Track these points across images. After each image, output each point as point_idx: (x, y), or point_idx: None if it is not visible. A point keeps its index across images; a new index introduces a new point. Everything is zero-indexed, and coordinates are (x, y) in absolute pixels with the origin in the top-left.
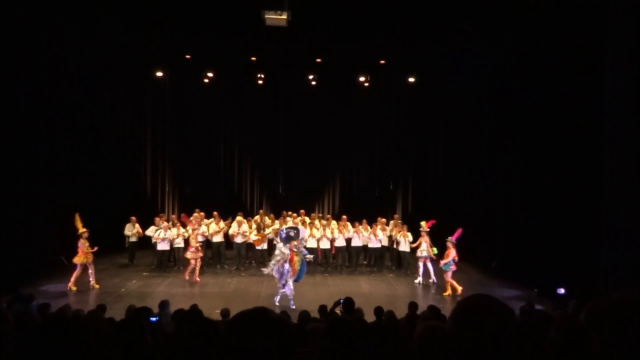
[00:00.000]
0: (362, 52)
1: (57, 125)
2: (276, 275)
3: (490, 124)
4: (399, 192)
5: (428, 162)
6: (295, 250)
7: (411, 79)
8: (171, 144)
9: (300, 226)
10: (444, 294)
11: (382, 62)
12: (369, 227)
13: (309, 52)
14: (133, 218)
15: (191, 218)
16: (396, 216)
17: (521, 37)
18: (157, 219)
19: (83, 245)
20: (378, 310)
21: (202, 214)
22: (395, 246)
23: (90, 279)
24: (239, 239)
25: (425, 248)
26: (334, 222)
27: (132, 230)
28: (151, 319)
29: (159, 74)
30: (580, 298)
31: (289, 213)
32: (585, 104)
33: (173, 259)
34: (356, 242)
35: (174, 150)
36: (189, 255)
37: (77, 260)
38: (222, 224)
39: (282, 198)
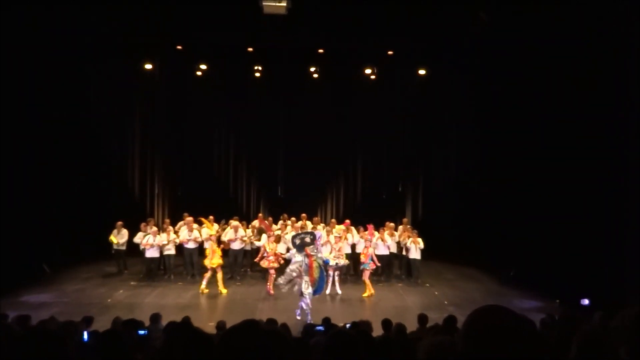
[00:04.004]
0: (368, 42)
1: (38, 123)
2: (294, 289)
3: (507, 121)
4: (408, 194)
5: (440, 161)
6: (312, 253)
7: (421, 72)
8: (161, 142)
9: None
10: (364, 295)
11: (390, 53)
12: (376, 232)
13: (311, 42)
14: (119, 223)
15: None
16: (405, 220)
17: (539, 26)
18: (143, 224)
19: (211, 247)
20: (386, 323)
21: (190, 218)
22: (404, 253)
23: (204, 282)
24: (236, 245)
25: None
26: (338, 226)
27: (124, 237)
28: (140, 332)
29: (148, 66)
30: (606, 309)
31: (285, 216)
32: (610, 100)
33: (163, 267)
34: (362, 249)
35: (165, 150)
36: (265, 264)
37: (207, 262)
38: (216, 227)
39: (282, 201)
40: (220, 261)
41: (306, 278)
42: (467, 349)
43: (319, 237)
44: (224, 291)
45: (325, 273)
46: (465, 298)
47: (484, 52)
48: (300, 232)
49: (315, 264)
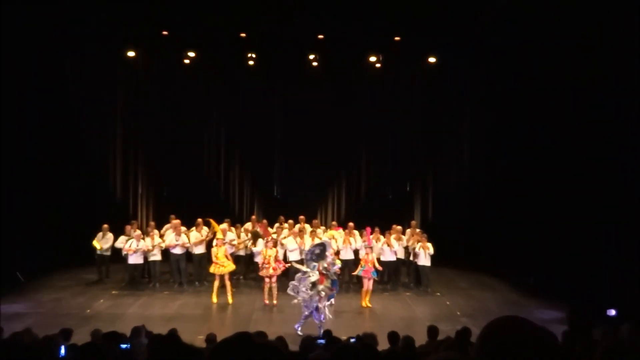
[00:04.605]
0: (373, 27)
1: (11, 118)
2: (302, 302)
3: (525, 114)
4: (417, 194)
5: (451, 158)
6: (325, 272)
7: (431, 60)
8: (146, 137)
9: (325, 239)
10: (363, 304)
11: (397, 39)
12: (382, 237)
13: (310, 27)
14: (105, 226)
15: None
16: (414, 223)
17: (560, 10)
18: (128, 227)
19: (216, 252)
20: (393, 336)
21: (177, 221)
22: (413, 259)
23: (228, 294)
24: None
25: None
26: (340, 230)
27: (109, 242)
28: (122, 346)
29: (131, 53)
30: (634, 321)
31: (282, 218)
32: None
33: (148, 275)
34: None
35: (149, 146)
36: (261, 272)
37: (212, 269)
38: (204, 231)
39: (278, 202)
40: (219, 270)
41: (320, 287)
42: None
43: (329, 247)
44: (215, 300)
45: (337, 280)
46: (480, 308)
47: (499, 38)
48: (311, 247)
49: (326, 281)
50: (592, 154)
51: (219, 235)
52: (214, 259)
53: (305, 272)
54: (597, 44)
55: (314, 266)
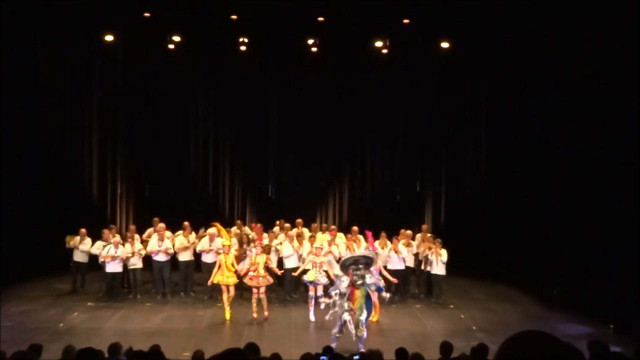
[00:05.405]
0: (379, 8)
1: None
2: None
3: (550, 105)
4: (428, 195)
5: (466, 154)
6: (358, 283)
7: (444, 45)
8: (125, 130)
9: (374, 251)
10: (373, 319)
11: (406, 21)
12: (388, 242)
13: (309, 7)
14: (83, 231)
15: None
16: (425, 227)
17: None
18: (106, 231)
19: (219, 261)
20: (401, 353)
21: (161, 225)
22: (424, 267)
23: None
24: (209, 258)
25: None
26: (341, 234)
27: (86, 246)
28: None
29: (109, 37)
30: None
31: (282, 222)
32: None
33: (127, 284)
34: None
35: (129, 140)
36: (248, 281)
37: (215, 279)
38: (192, 237)
39: (273, 203)
40: (219, 278)
41: (347, 303)
42: None
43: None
44: (228, 317)
45: (371, 300)
46: (498, 322)
47: (519, 20)
48: (356, 255)
49: (358, 292)
50: (626, 149)
51: (226, 242)
52: (216, 268)
53: (339, 276)
54: (615, 33)
55: (353, 267)
